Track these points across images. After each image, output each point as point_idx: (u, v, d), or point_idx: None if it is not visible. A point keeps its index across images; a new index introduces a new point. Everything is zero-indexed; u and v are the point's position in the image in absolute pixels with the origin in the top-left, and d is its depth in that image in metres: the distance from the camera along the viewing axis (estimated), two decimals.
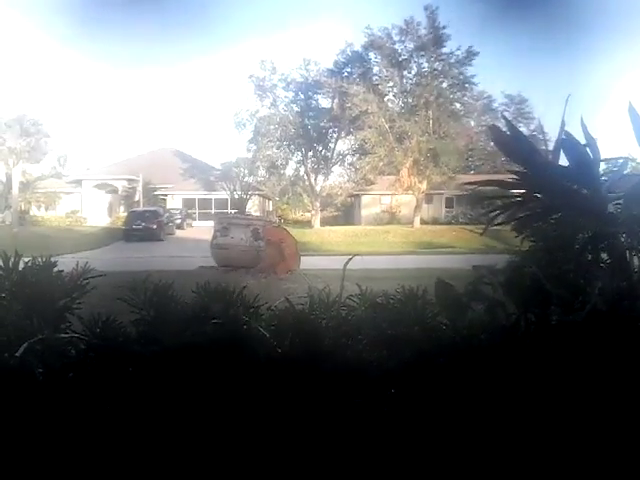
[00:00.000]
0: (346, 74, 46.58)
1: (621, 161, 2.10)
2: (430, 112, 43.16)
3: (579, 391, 1.72)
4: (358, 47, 46.24)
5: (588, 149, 1.94)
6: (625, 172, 2.11)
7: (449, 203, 48.12)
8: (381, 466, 1.71)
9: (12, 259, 2.11)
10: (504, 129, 2.13)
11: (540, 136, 2.17)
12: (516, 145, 2.04)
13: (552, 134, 2.09)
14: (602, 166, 2.04)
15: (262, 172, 49.84)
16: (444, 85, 44.74)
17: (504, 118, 2.06)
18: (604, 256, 2.03)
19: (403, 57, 44.45)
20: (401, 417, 1.76)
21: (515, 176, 2.06)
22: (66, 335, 1.98)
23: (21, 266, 2.13)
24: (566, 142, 1.97)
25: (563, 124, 1.97)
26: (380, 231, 39.60)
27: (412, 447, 1.73)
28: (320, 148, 48.33)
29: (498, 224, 2.16)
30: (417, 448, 1.73)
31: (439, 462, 1.72)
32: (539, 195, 2.11)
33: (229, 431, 1.75)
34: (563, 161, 2.03)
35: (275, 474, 1.72)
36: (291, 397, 1.77)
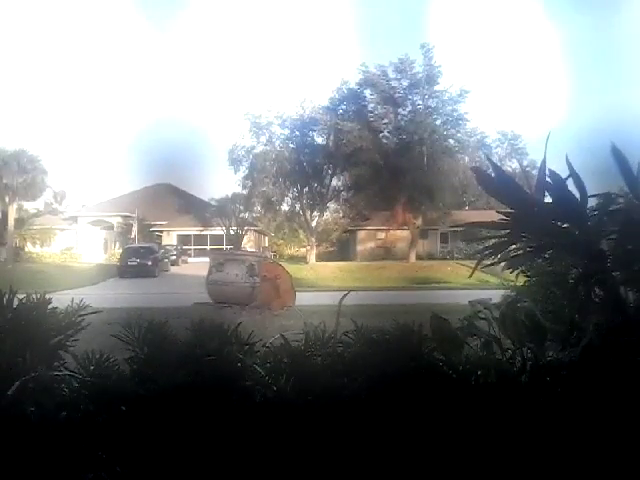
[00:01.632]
0: (341, 111, 47.21)
1: (613, 196, 2.12)
2: (424, 148, 43.63)
3: (576, 428, 1.71)
4: (353, 84, 46.99)
5: (574, 186, 1.97)
6: (617, 207, 2.13)
7: (444, 238, 48.35)
8: None
9: (6, 295, 2.11)
10: (489, 170, 2.15)
11: (534, 172, 2.20)
12: (501, 186, 2.06)
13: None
14: (593, 201, 2.06)
15: (258, 208, 50.12)
16: (438, 122, 45.33)
17: (488, 159, 2.10)
18: (599, 291, 2.03)
19: (398, 94, 45.12)
20: (400, 457, 1.74)
21: (504, 217, 2.07)
22: (59, 373, 1.96)
23: (15, 302, 2.12)
24: (552, 180, 1.99)
25: (544, 163, 2.00)
26: (375, 266, 39.61)
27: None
28: (315, 184, 48.67)
29: (491, 264, 2.17)
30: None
31: None
32: (528, 235, 2.12)
33: (224, 473, 1.73)
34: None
35: None
36: (286, 438, 1.75)
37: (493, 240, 2.14)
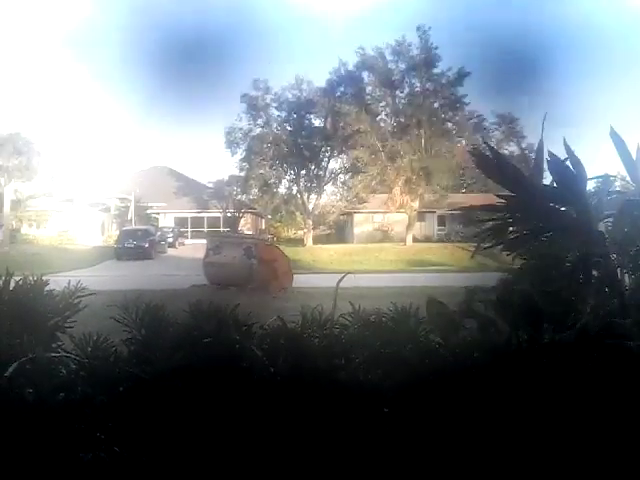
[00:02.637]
0: (339, 93, 47.00)
1: (612, 179, 2.12)
2: (422, 131, 43.52)
3: (570, 410, 1.72)
4: (351, 67, 46.69)
5: (572, 168, 1.96)
6: (616, 190, 2.13)
7: (441, 221, 48.40)
8: None
9: (3, 277, 2.10)
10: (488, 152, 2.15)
11: (532, 155, 2.19)
12: (499, 168, 2.05)
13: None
14: (592, 184, 2.06)
15: (255, 190, 49.99)
16: (436, 105, 45.15)
17: (485, 143, 2.09)
18: (596, 274, 2.04)
19: (395, 77, 44.89)
20: (395, 437, 1.75)
21: (502, 200, 2.07)
22: (57, 354, 1.96)
23: (12, 285, 2.12)
24: (551, 163, 1.99)
25: (541, 144, 1.99)
26: (372, 249, 39.66)
27: (405, 467, 1.72)
28: (313, 167, 48.58)
29: (489, 246, 2.17)
30: (410, 468, 1.72)
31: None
32: (526, 217, 2.12)
33: (221, 453, 1.74)
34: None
35: None
36: (283, 419, 1.76)
37: (491, 223, 2.14)
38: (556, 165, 1.96)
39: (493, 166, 2.08)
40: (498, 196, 2.07)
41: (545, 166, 2.03)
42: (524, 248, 2.15)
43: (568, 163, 1.97)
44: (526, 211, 2.10)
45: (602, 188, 2.04)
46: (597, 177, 2.05)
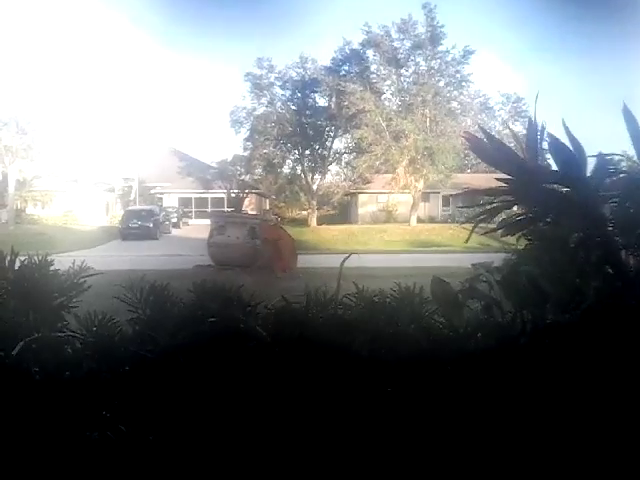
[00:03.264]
0: (343, 72, 46.60)
1: (616, 158, 2.10)
2: (427, 110, 43.21)
3: (575, 390, 1.73)
4: (356, 45, 46.27)
5: (572, 149, 1.94)
6: (620, 170, 2.11)
7: (446, 202, 48.21)
8: (376, 464, 1.71)
9: (8, 257, 2.11)
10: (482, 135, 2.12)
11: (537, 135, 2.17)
12: (495, 153, 2.04)
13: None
14: (592, 164, 2.04)
15: (259, 170, 49.88)
16: (441, 84, 44.79)
17: (480, 128, 2.07)
18: (600, 256, 2.03)
19: (401, 55, 44.47)
20: (398, 415, 1.76)
21: (502, 183, 2.06)
22: (62, 334, 1.98)
23: (17, 264, 2.13)
24: (551, 144, 1.97)
25: (533, 124, 1.97)
26: (376, 230, 39.61)
27: (407, 444, 1.73)
28: (317, 146, 48.37)
29: (491, 231, 2.16)
30: (412, 445, 1.74)
31: (435, 461, 1.72)
32: (527, 200, 2.11)
33: (221, 430, 1.76)
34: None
35: (272, 473, 1.72)
36: (286, 396, 1.77)
37: (490, 206, 2.13)
38: (556, 147, 1.94)
39: (489, 150, 2.06)
40: (498, 179, 2.06)
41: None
42: (525, 230, 2.14)
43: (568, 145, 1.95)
44: (526, 194, 2.08)
45: (604, 168, 2.02)
46: (598, 155, 2.02)
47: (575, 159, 1.94)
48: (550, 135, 1.96)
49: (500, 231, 2.15)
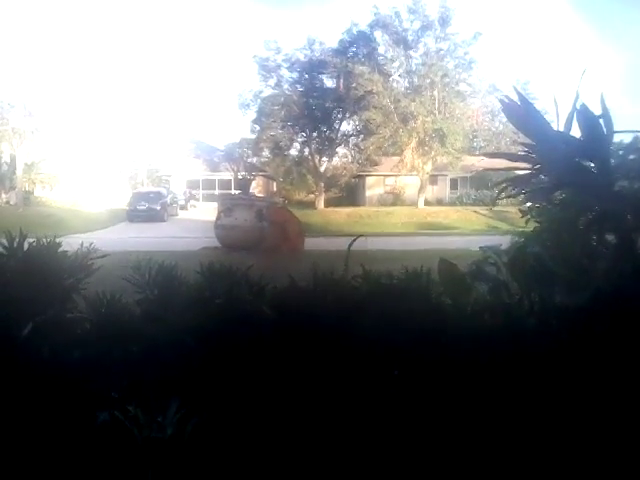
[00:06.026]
0: (351, 54, 46.14)
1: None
2: (435, 92, 42.81)
3: (581, 371, 1.72)
4: (364, 26, 45.79)
5: (602, 122, 1.92)
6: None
7: (453, 184, 47.92)
8: (382, 443, 1.72)
9: (17, 239, 2.12)
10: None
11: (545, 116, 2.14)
12: (527, 117, 2.02)
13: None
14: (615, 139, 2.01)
15: (266, 153, 49.67)
16: (450, 65, 44.31)
17: (516, 90, 2.02)
18: (609, 237, 2.02)
19: (410, 36, 43.99)
20: (405, 393, 1.77)
21: (525, 148, 2.04)
22: (72, 315, 1.99)
23: (26, 246, 2.13)
24: (580, 113, 1.94)
25: (577, 96, 1.95)
26: (384, 212, 39.46)
27: (412, 421, 1.74)
28: (324, 129, 48.05)
29: (508, 196, 2.14)
30: (417, 422, 1.74)
31: (441, 440, 1.73)
32: (547, 169, 2.09)
33: (230, 410, 1.77)
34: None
35: (279, 452, 1.74)
36: (294, 374, 1.78)
37: (513, 175, 2.11)
38: (584, 116, 1.92)
39: (520, 114, 2.04)
40: (522, 144, 2.05)
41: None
42: (538, 209, 2.13)
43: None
44: (548, 162, 2.06)
45: (631, 145, 2.00)
46: (624, 131, 2.00)
47: (600, 130, 1.91)
48: (583, 105, 1.93)
49: (509, 213, 2.13)
